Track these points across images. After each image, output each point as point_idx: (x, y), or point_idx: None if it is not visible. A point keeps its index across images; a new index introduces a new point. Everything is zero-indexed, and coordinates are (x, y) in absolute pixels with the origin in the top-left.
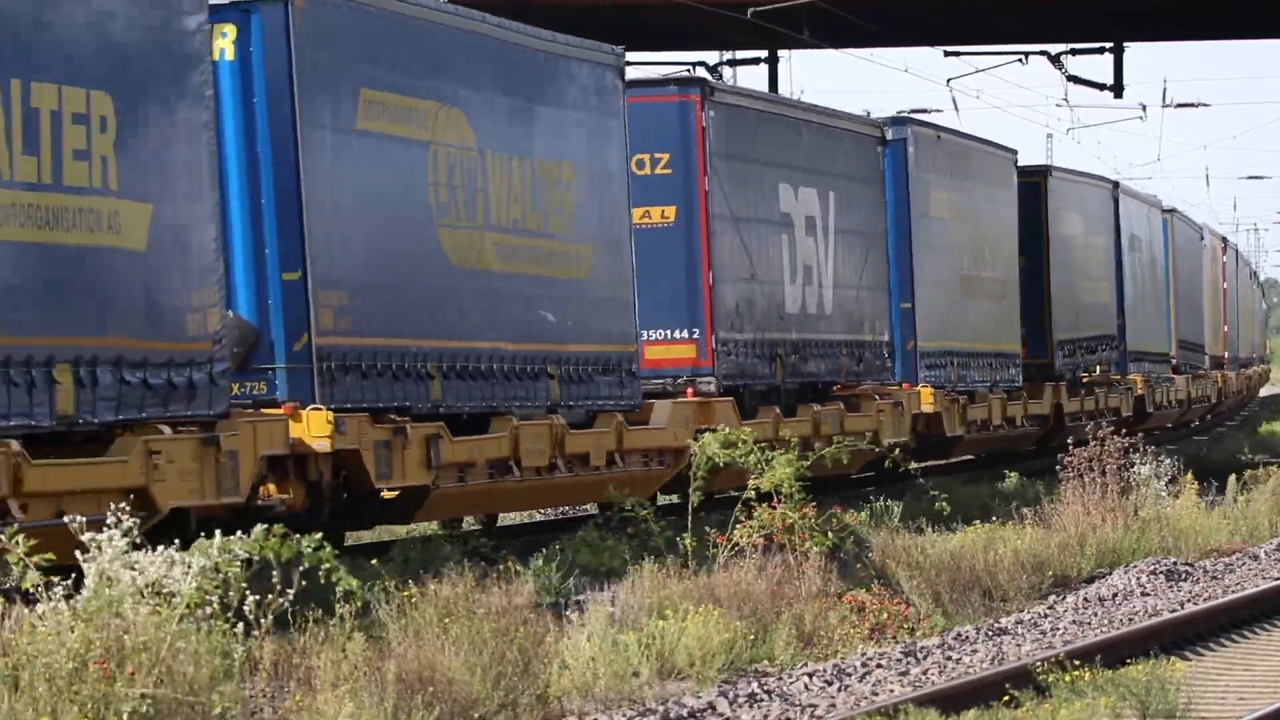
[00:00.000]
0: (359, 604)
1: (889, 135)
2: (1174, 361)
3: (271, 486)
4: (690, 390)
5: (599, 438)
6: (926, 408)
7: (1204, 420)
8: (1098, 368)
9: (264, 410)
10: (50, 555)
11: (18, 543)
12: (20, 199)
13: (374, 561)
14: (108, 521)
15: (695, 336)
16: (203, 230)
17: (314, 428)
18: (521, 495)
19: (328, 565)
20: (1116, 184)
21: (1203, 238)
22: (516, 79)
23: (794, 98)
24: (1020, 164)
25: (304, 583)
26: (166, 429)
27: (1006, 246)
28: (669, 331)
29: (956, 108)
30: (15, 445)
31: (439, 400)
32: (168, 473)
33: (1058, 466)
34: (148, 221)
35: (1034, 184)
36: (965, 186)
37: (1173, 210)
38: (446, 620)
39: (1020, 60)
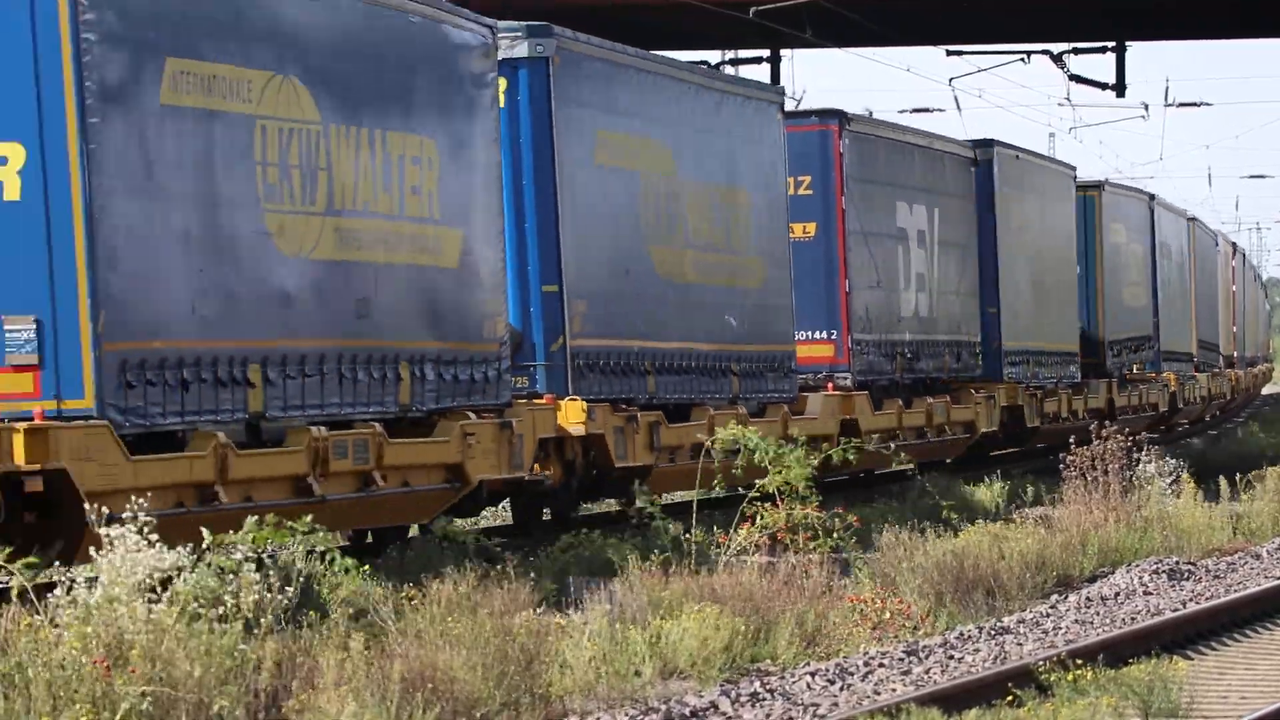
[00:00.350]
0: (356, 573)
1: (978, 156)
2: (1196, 360)
3: (535, 464)
4: (830, 385)
5: (771, 425)
6: (1011, 401)
7: (1215, 417)
8: (1135, 366)
9: (534, 401)
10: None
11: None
12: (380, 227)
13: (365, 569)
14: (123, 516)
15: (833, 337)
16: (493, 250)
17: (571, 415)
18: (713, 475)
19: (322, 548)
20: (1153, 196)
21: (1216, 243)
22: (707, 115)
23: (907, 125)
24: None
25: (302, 580)
26: (472, 415)
27: (1067, 255)
28: (810, 333)
29: (959, 107)
30: (379, 428)
31: (654, 393)
32: (476, 451)
33: (1060, 466)
34: (459, 244)
35: (1089, 198)
36: (1036, 201)
37: (1194, 219)
38: (449, 619)
39: (1023, 59)
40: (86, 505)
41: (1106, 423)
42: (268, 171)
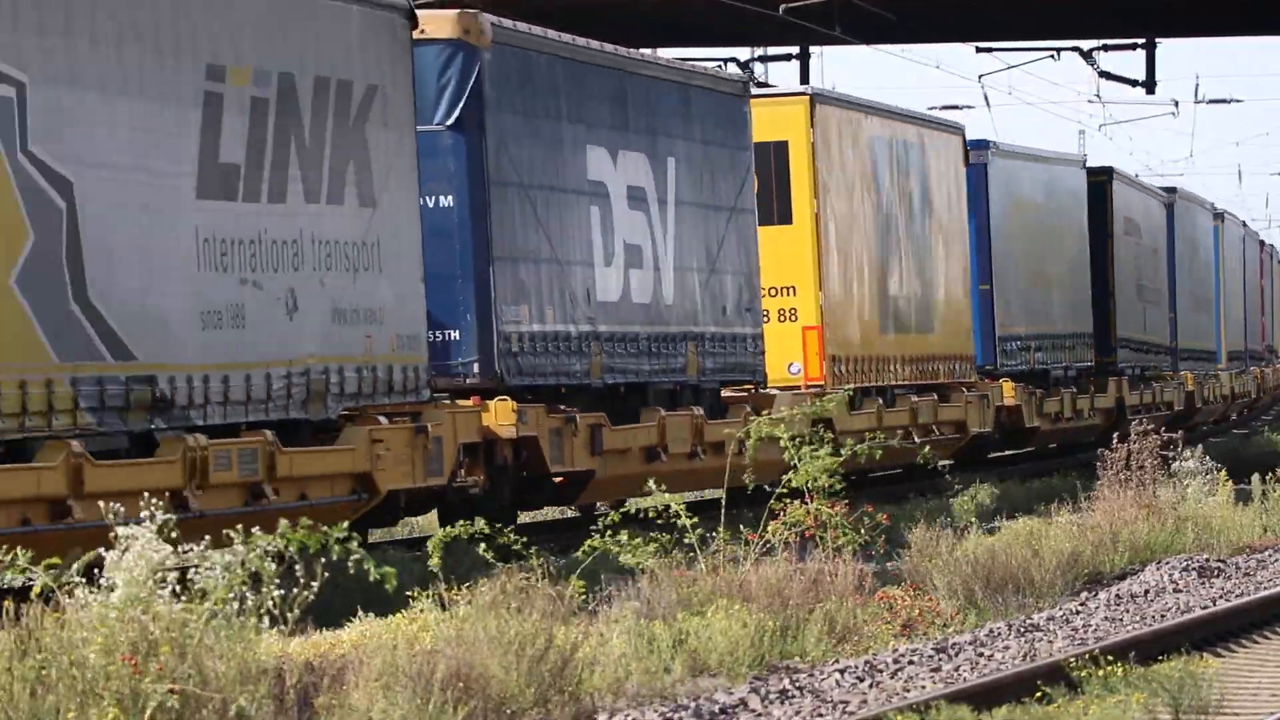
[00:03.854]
0: (392, 588)
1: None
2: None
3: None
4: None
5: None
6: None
7: (1242, 415)
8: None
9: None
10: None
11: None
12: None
13: (432, 558)
14: (142, 516)
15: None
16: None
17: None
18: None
19: (356, 556)
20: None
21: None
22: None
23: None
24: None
25: (327, 575)
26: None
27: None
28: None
29: (988, 104)
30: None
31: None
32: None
33: (1097, 463)
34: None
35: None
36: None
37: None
38: (489, 619)
39: (1053, 56)
40: None
41: (1138, 421)
42: None
